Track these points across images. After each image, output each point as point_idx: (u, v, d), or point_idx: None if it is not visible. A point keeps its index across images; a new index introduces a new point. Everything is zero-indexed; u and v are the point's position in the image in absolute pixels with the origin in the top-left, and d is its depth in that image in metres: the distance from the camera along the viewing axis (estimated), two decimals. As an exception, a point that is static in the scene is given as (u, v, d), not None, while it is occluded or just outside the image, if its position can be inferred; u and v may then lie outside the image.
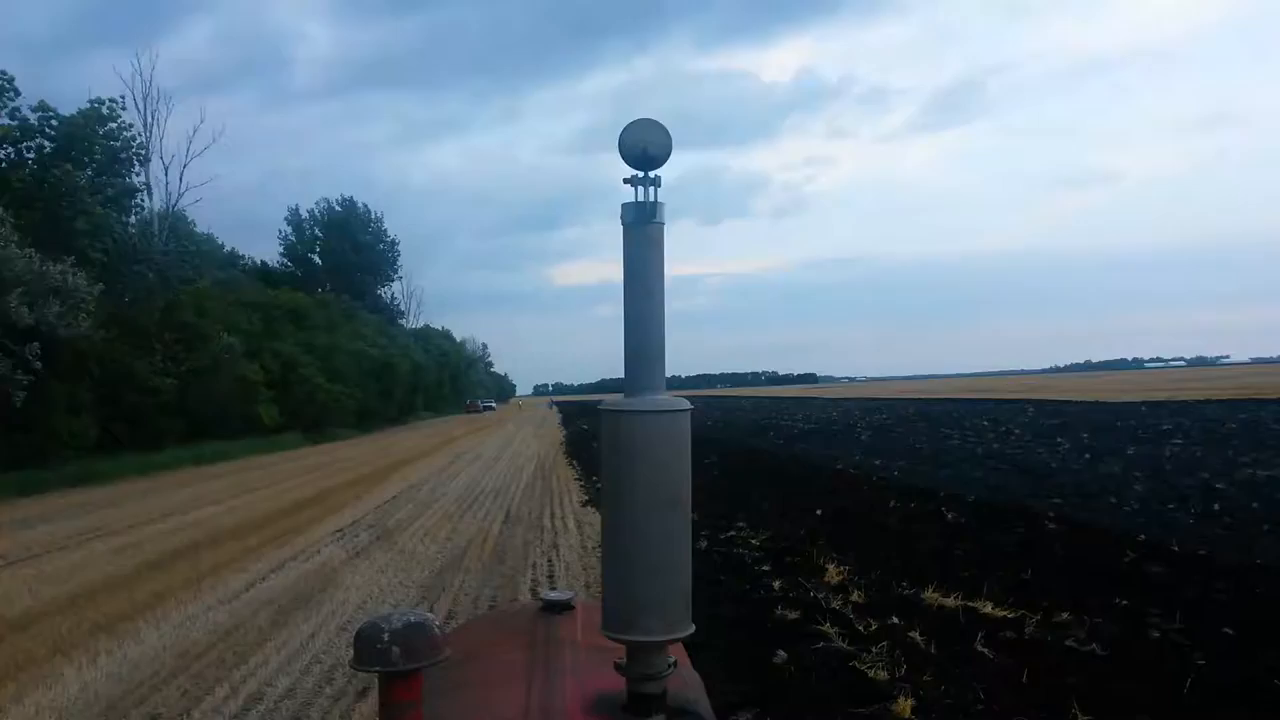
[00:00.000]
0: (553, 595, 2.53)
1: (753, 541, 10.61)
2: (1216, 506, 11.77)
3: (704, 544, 10.45)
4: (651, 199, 1.75)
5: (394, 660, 1.32)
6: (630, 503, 1.69)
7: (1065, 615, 6.74)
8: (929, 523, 11.46)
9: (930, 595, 7.38)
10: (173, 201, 46.21)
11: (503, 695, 1.84)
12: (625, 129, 1.74)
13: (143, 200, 39.90)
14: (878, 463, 20.82)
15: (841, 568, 8.78)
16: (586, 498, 16.31)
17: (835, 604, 7.38)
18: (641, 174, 1.75)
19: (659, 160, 1.75)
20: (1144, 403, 48.27)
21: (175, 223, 46.42)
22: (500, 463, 27.03)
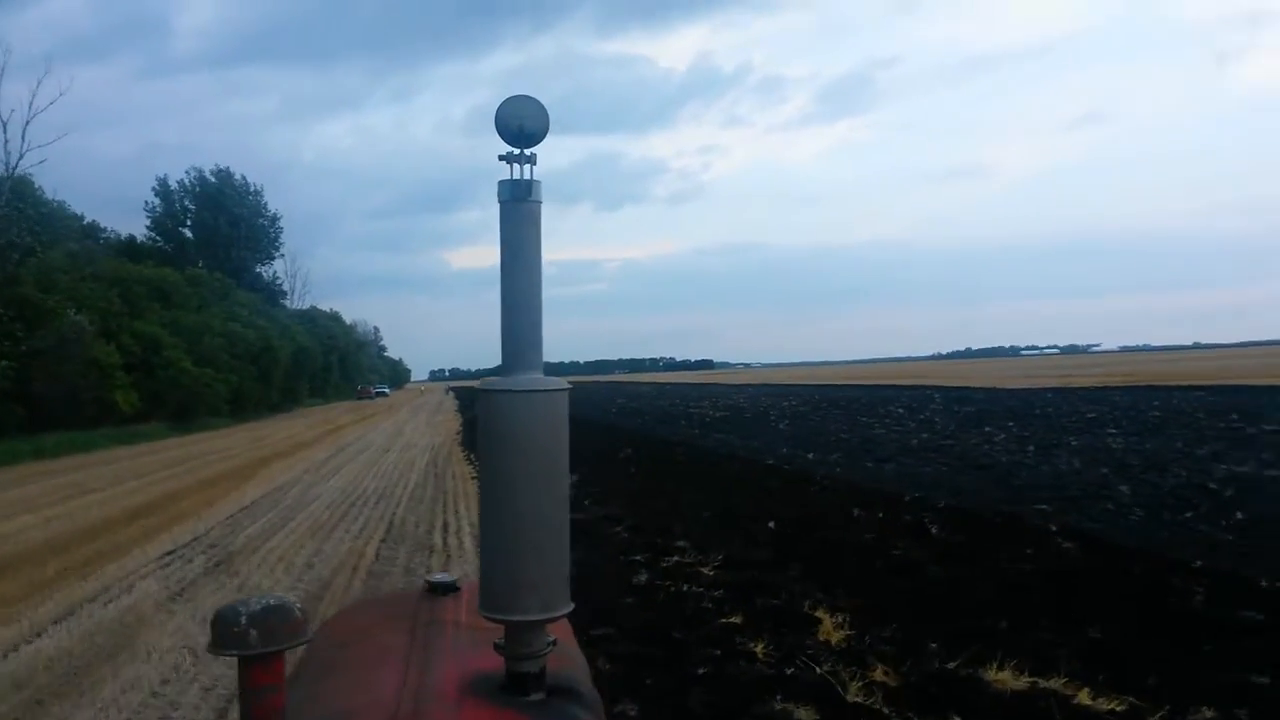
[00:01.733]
0: (438, 577, 2.36)
1: (704, 571, 8.28)
2: (1239, 515, 10.01)
3: (643, 576, 8.09)
4: (527, 176, 1.70)
5: (252, 643, 1.23)
6: (508, 483, 1.64)
7: (1209, 713, 4.61)
8: (913, 539, 9.35)
9: (995, 675, 5.15)
10: (12, 162, 41.33)
11: (378, 677, 1.77)
12: (502, 105, 1.69)
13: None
14: (810, 456, 18.84)
15: (838, 616, 6.53)
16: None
17: (856, 689, 5.09)
18: (517, 151, 1.70)
19: (536, 137, 1.70)
20: (1049, 389, 48.09)
21: (17, 185, 41.53)
22: (388, 455, 24.14)
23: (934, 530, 9.78)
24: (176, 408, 44.95)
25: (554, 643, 1.71)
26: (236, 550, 10.84)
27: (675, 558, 8.85)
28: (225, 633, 1.27)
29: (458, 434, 31.67)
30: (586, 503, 12.90)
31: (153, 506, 15.21)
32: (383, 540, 11.05)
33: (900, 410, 35.38)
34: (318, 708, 1.70)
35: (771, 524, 10.57)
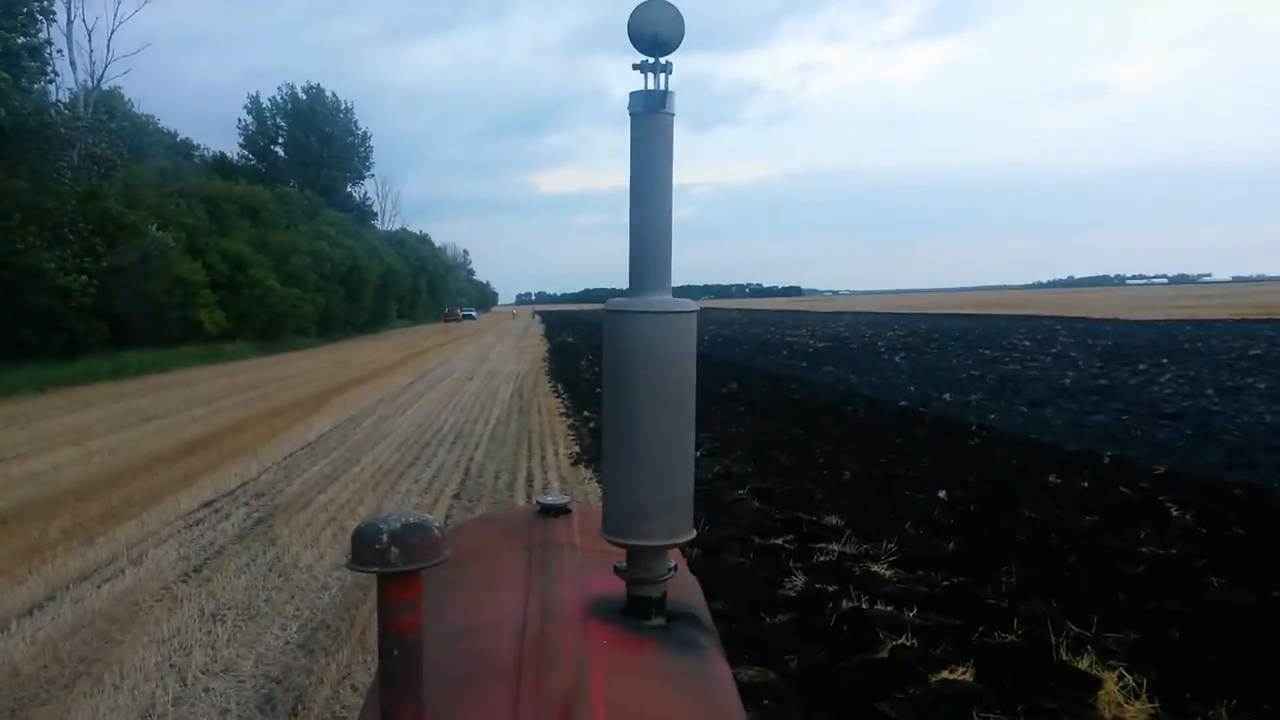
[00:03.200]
0: (550, 499, 2.35)
1: (879, 571, 6.05)
2: None
3: (798, 579, 5.88)
4: (662, 87, 1.64)
5: (393, 561, 1.18)
6: (633, 406, 1.61)
7: None
8: (1151, 524, 6.95)
9: None
10: (97, 71, 40.37)
11: (501, 596, 1.79)
12: (635, 10, 1.60)
13: (55, 65, 33.84)
14: (946, 397, 16.33)
15: (1118, 671, 4.26)
16: (578, 449, 11.73)
17: None
18: (651, 59, 1.63)
19: (671, 45, 1.63)
20: (1185, 321, 43.96)
21: (104, 98, 40.66)
22: (471, 384, 22.40)
23: (1173, 510, 7.35)
24: (263, 327, 44.34)
25: (674, 568, 1.72)
26: (284, 503, 9.04)
27: (832, 546, 6.63)
28: (366, 550, 1.20)
29: (544, 360, 29.86)
30: (698, 454, 10.74)
31: (209, 439, 13.63)
32: (455, 497, 9.10)
33: (1026, 343, 32.28)
34: (443, 625, 1.66)
35: (942, 493, 8.26)
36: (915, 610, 5.22)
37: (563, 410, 15.88)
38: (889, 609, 5.26)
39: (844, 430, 12.51)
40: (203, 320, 38.66)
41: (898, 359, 26.54)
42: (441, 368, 28.99)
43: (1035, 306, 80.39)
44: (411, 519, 1.23)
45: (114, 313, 33.23)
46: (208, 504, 9.14)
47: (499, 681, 1.41)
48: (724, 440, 11.82)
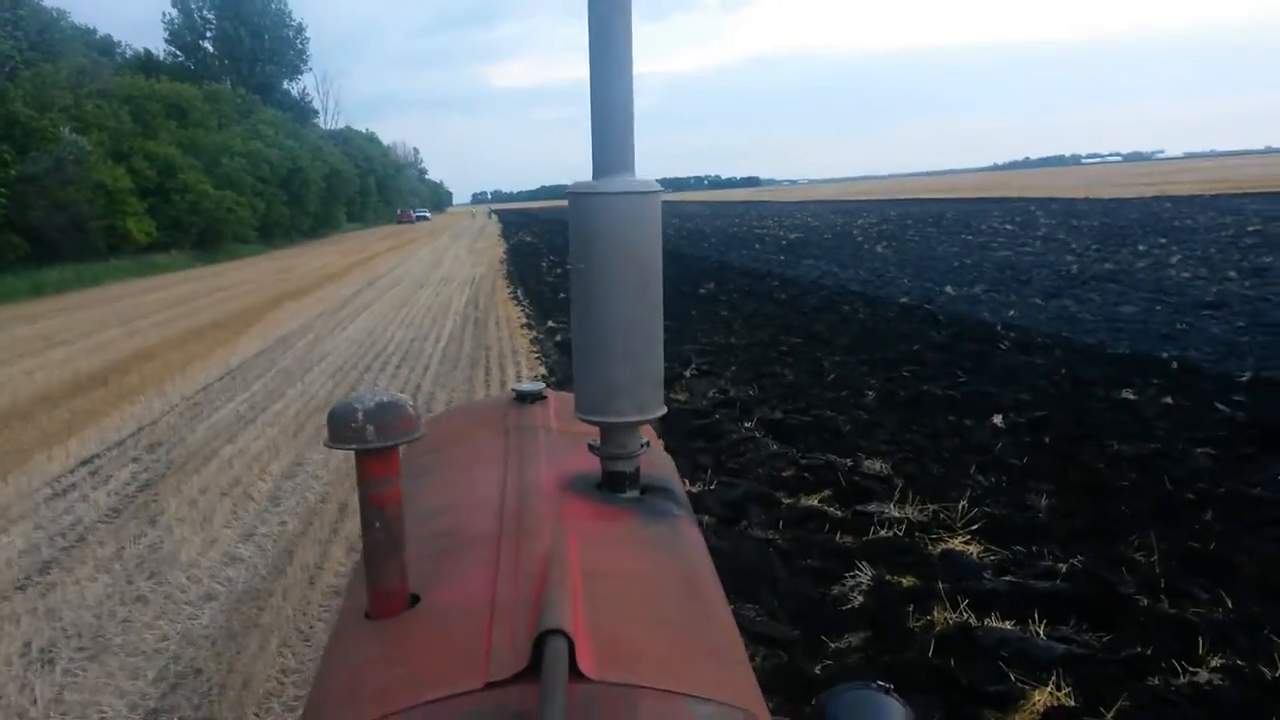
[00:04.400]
0: (524, 386, 2.36)
1: (964, 551, 4.45)
2: None
3: (860, 575, 4.25)
4: None
5: (369, 438, 1.22)
6: (601, 288, 1.62)
7: None
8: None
9: None
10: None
11: (480, 476, 1.83)
12: None
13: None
14: (948, 289, 14.74)
15: None
16: (544, 369, 10.01)
17: None
18: None
19: None
20: (1162, 198, 42.63)
21: (1, -11, 36.77)
22: (422, 292, 20.45)
23: (1302, 439, 5.84)
24: (198, 236, 41.55)
25: (647, 444, 1.75)
26: (180, 459, 7.27)
27: (887, 509, 5.02)
28: (342, 429, 1.23)
29: (501, 263, 27.85)
30: (688, 373, 9.07)
31: (112, 370, 11.71)
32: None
33: (1007, 227, 30.79)
34: (423, 504, 1.71)
35: (998, 419, 6.69)
36: (1044, 623, 3.64)
37: (524, 321, 14.08)
38: (1007, 625, 3.66)
39: (849, 336, 10.88)
40: (131, 230, 35.88)
41: (880, 249, 24.88)
42: (391, 274, 26.89)
43: (1000, 189, 78.71)
44: (385, 398, 1.25)
45: (30, 226, 30.56)
46: (86, 462, 7.35)
47: (479, 551, 1.44)
48: (714, 354, 10.15)
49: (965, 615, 3.75)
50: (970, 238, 27.23)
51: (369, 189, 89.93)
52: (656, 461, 1.99)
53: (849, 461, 5.87)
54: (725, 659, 1.27)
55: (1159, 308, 11.79)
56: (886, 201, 67.95)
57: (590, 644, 1.11)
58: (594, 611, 1.21)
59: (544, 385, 2.44)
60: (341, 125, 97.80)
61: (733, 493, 5.40)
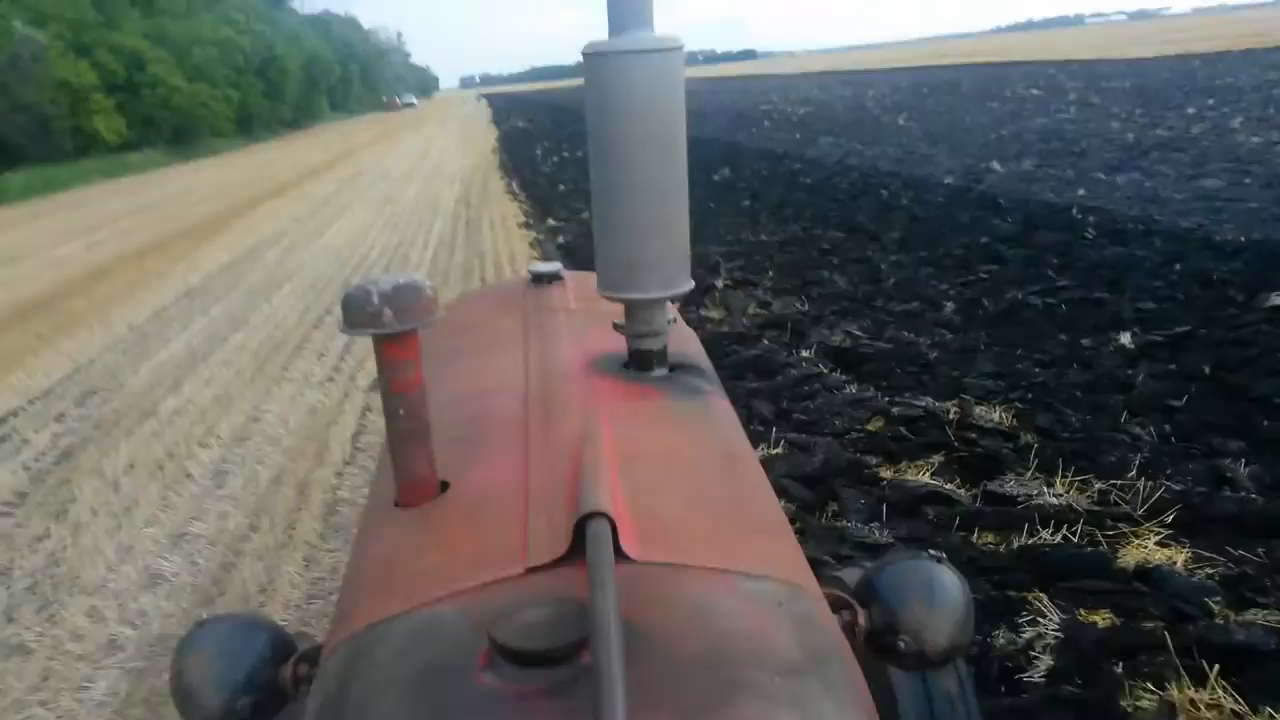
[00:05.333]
0: (541, 267, 2.30)
1: (1166, 560, 3.14)
2: None
3: (1041, 621, 2.93)
4: None
5: (386, 322, 1.17)
6: (622, 156, 1.51)
7: None
8: None
9: None
10: None
11: (501, 361, 1.77)
12: None
13: None
14: (996, 166, 13.14)
15: None
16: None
17: None
18: None
19: None
20: (1190, 56, 40.10)
21: None
22: (409, 188, 18.79)
23: None
24: (172, 132, 39.40)
25: (674, 320, 1.71)
26: (113, 415, 5.95)
27: (1026, 489, 3.69)
28: (358, 314, 1.18)
29: (494, 152, 26.00)
30: (720, 283, 7.66)
31: (58, 294, 10.30)
32: (371, 389, 6.03)
33: (1034, 92, 28.71)
34: (445, 391, 1.63)
35: (1125, 338, 5.31)
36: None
37: (522, 219, 12.55)
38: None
39: (898, 227, 9.41)
40: (100, 129, 33.89)
41: (901, 121, 23.00)
42: (375, 168, 25.09)
43: (1009, 53, 75.07)
44: (401, 280, 1.19)
45: (-12, 128, 28.69)
46: (1, 420, 6.04)
47: (507, 435, 1.39)
48: (745, 256, 8.72)
49: (1218, 693, 2.46)
50: (996, 105, 25.29)
51: (351, 76, 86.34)
52: (683, 337, 1.96)
53: (953, 407, 4.52)
54: (770, 534, 1.24)
55: (1247, 180, 10.27)
56: (893, 71, 64.83)
57: (632, 525, 1.08)
58: (632, 492, 1.17)
59: (560, 265, 2.33)
60: (319, 10, 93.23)
61: (809, 462, 4.08)
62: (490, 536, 1.13)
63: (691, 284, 1.64)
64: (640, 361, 1.65)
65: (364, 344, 6.89)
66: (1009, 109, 23.82)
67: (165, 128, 38.70)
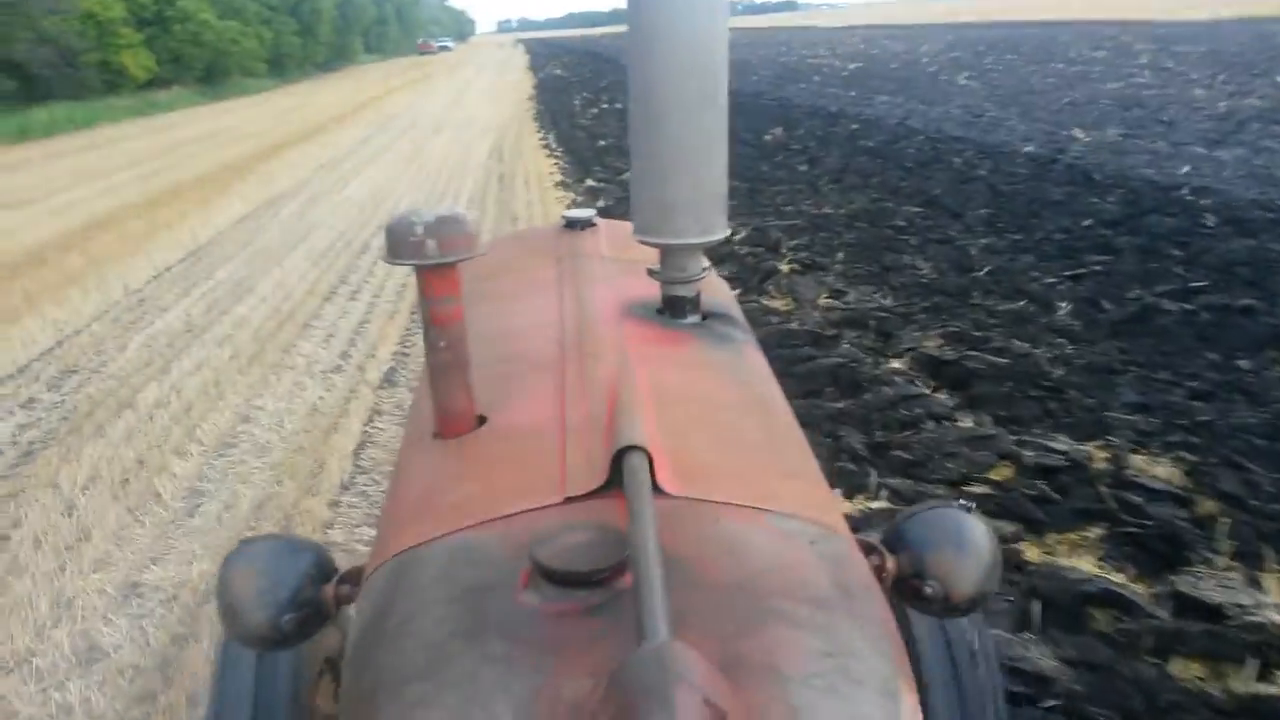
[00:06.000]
0: (574, 213, 2.31)
1: None
2: None
3: None
4: None
5: (429, 254, 1.19)
6: (662, 97, 1.49)
7: None
8: None
9: None
10: None
11: (536, 303, 1.79)
12: None
13: None
14: (1079, 134, 11.98)
15: None
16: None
17: None
18: None
19: None
20: (1254, 19, 37.99)
21: None
22: (438, 138, 17.84)
23: None
24: (203, 70, 38.45)
25: (709, 268, 1.69)
26: (88, 404, 5.14)
27: (1232, 593, 2.78)
28: (401, 245, 1.19)
29: (530, 100, 24.91)
30: (785, 266, 6.71)
31: (58, 245, 9.51)
32: (383, 384, 5.16)
33: (1099, 54, 27.12)
34: (481, 330, 1.62)
35: (1299, 364, 4.34)
36: None
37: (559, 179, 11.59)
38: None
39: (980, 202, 8.38)
40: (127, 65, 33.00)
41: (963, 80, 21.66)
42: (406, 114, 24.10)
43: (1070, 10, 72.26)
44: (445, 212, 1.20)
45: (15, 61, 27.89)
46: (-41, 408, 5.25)
47: (543, 374, 1.41)
48: (809, 232, 7.74)
49: None
50: (1061, 66, 23.84)
51: (387, 18, 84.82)
52: (715, 287, 1.96)
53: (1100, 453, 3.60)
54: (804, 477, 1.27)
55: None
56: (944, 25, 62.52)
57: (668, 461, 1.09)
58: (667, 430, 1.18)
59: (594, 211, 2.34)
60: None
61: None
62: (529, 467, 1.15)
63: (728, 230, 1.62)
64: (674, 307, 1.65)
65: (377, 326, 6.05)
66: (1076, 70, 22.38)
67: (195, 65, 37.72)
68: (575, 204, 9.68)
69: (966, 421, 4.00)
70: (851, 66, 29.91)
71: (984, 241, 7.06)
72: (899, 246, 7.12)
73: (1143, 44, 30.16)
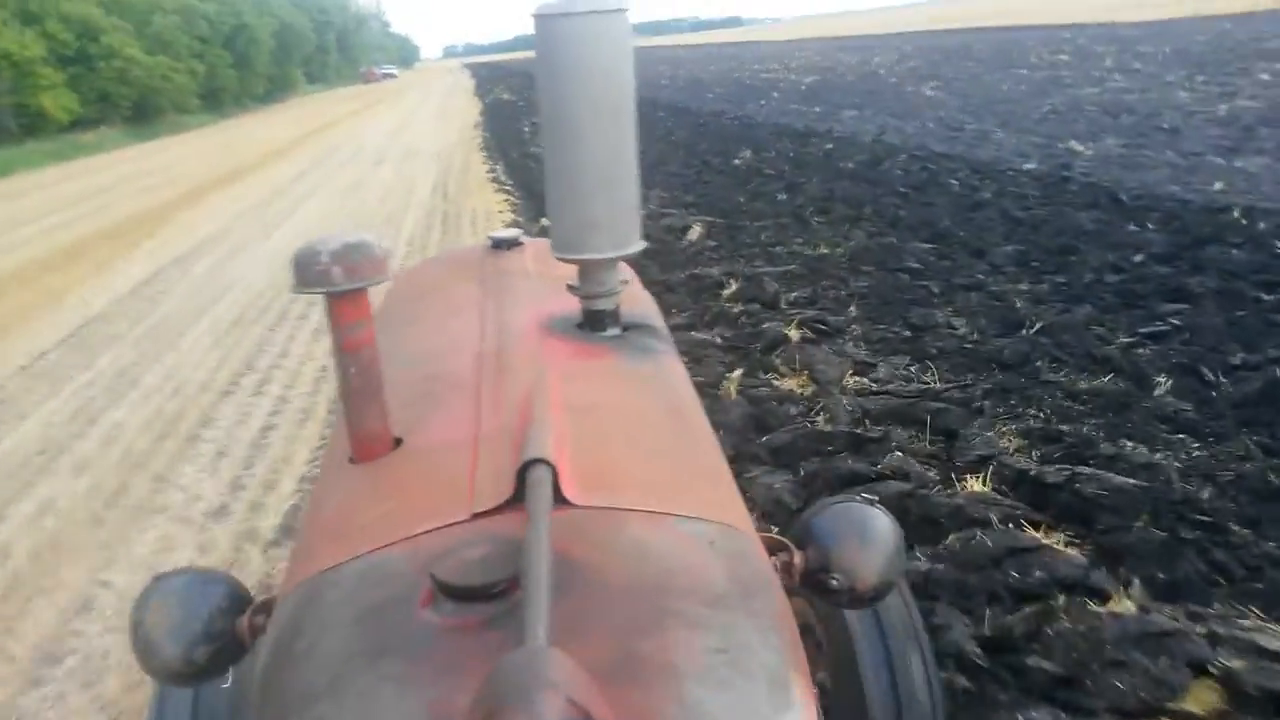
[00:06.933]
0: (500, 233, 2.33)
1: None
2: None
3: None
4: None
5: (336, 280, 1.19)
6: (572, 117, 1.54)
7: None
8: None
9: None
10: None
11: (458, 323, 1.80)
12: None
13: None
14: (1078, 148, 10.94)
15: None
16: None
17: None
18: None
19: None
20: (1210, 17, 37.80)
21: None
22: (380, 171, 16.48)
23: None
24: (133, 109, 36.72)
25: (626, 282, 1.70)
26: None
27: None
28: (308, 273, 1.19)
29: (476, 127, 23.62)
30: (792, 332, 5.45)
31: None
32: (275, 544, 3.83)
33: (1061, 58, 26.46)
34: (402, 353, 1.67)
35: None
36: None
37: (510, 217, 10.31)
38: None
39: (999, 233, 7.24)
40: (47, 107, 31.22)
41: (929, 91, 20.72)
42: (347, 146, 22.69)
43: (1017, 16, 72.52)
44: (351, 239, 1.20)
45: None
46: None
47: (460, 392, 1.42)
48: (807, 277, 6.55)
49: None
50: (1025, 72, 23.07)
51: (328, 46, 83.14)
52: (637, 299, 1.97)
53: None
54: (710, 480, 1.28)
55: None
56: (895, 35, 62.28)
57: (574, 471, 1.11)
58: (577, 441, 1.20)
59: (520, 231, 2.35)
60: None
61: None
62: (440, 486, 1.16)
63: (643, 243, 1.65)
64: (593, 321, 1.68)
65: (283, 437, 4.70)
66: (1043, 76, 21.61)
67: (123, 104, 35.98)
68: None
69: (1119, 598, 2.76)
70: (809, 80, 29.02)
71: (1022, 287, 5.89)
72: (920, 297, 5.93)
73: (1102, 45, 29.66)
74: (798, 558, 1.32)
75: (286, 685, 0.93)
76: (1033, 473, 3.49)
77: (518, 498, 1.04)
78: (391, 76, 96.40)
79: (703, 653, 0.86)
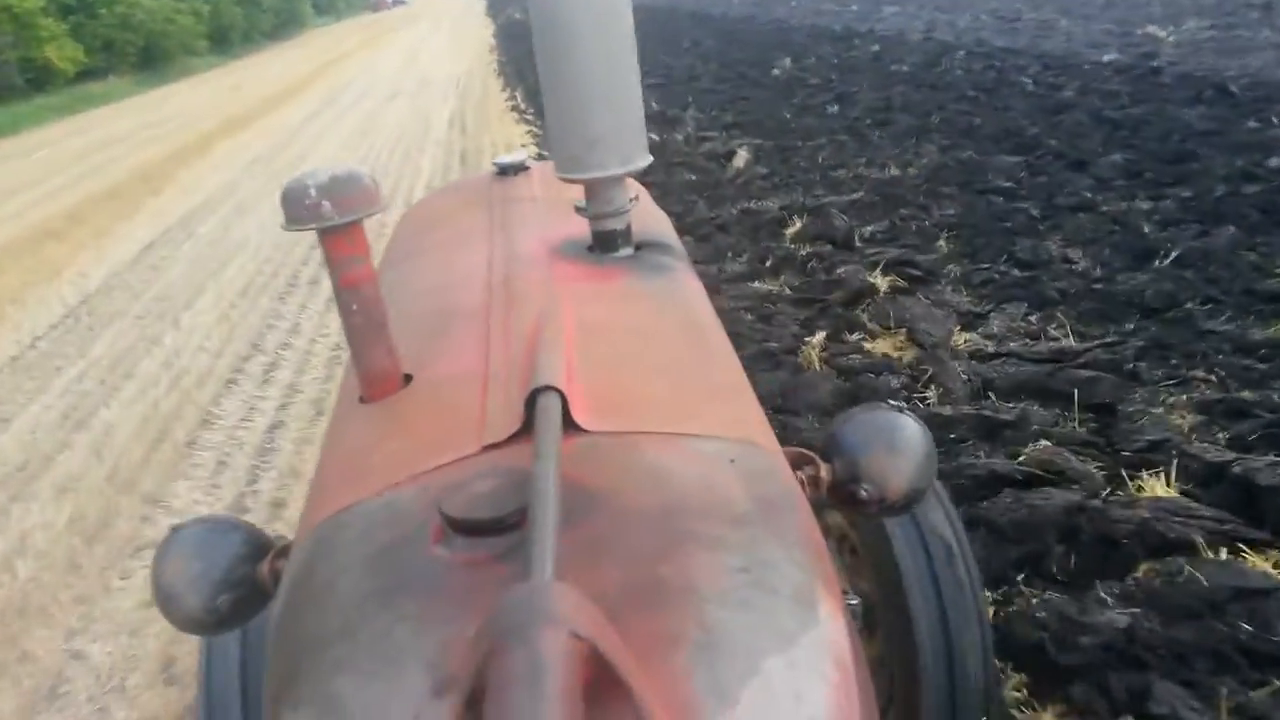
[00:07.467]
0: (506, 159, 2.23)
1: None
2: None
3: None
4: None
5: (327, 215, 1.13)
6: (566, 29, 1.44)
7: None
8: None
9: None
10: None
11: (467, 253, 1.72)
12: None
13: None
14: (1154, 32, 9.80)
15: None
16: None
17: None
18: None
19: None
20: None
21: None
22: (393, 108, 15.55)
23: None
24: (140, 56, 35.68)
25: (636, 199, 1.64)
26: None
27: None
28: (297, 209, 1.14)
29: (491, 51, 22.49)
30: (878, 279, 4.63)
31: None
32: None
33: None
34: (411, 286, 1.64)
35: None
36: None
37: (534, 150, 9.46)
38: None
39: (1097, 139, 6.30)
40: (52, 59, 30.32)
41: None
42: (360, 80, 21.72)
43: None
44: (339, 171, 1.15)
45: (-79, 67, 25.44)
46: None
47: (469, 324, 1.39)
48: (879, 205, 5.70)
49: None
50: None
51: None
52: (649, 216, 1.92)
53: None
54: (729, 397, 1.24)
55: None
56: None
57: (585, 397, 1.08)
58: (588, 366, 1.17)
59: (527, 155, 2.29)
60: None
61: None
62: (449, 420, 1.13)
63: (650, 158, 1.58)
64: (604, 242, 1.60)
65: (292, 438, 4.02)
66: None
67: (130, 51, 34.93)
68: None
69: None
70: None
71: (1143, 206, 5.01)
72: (1022, 225, 5.06)
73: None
74: (824, 470, 1.28)
75: (302, 628, 0.90)
76: (1235, 467, 2.70)
77: (528, 428, 1.00)
78: (402, 3, 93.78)
79: (724, 573, 0.83)
